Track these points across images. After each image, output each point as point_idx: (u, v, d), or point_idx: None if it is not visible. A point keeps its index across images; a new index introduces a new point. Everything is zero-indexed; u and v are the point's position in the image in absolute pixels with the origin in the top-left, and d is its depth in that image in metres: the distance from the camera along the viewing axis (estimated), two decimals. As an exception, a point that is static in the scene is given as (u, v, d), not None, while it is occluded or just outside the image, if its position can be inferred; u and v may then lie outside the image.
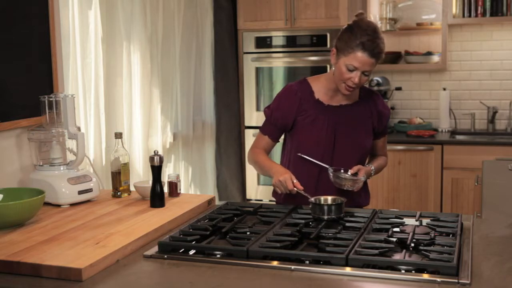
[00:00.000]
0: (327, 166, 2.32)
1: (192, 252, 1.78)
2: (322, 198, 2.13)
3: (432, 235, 1.86)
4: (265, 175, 2.46)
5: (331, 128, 2.40)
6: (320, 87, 2.44)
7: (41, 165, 2.39)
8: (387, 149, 2.65)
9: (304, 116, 2.41)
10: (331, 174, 2.31)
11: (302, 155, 2.38)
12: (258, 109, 4.61)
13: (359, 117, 2.45)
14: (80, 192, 2.33)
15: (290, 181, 2.21)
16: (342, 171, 2.34)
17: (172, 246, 1.80)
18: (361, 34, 2.25)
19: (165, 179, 2.39)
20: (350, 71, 2.28)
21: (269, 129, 2.49)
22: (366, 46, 2.23)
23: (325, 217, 2.04)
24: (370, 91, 2.53)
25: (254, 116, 4.63)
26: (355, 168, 2.34)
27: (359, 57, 2.24)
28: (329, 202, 2.11)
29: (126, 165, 2.47)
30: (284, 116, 2.43)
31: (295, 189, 2.21)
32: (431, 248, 1.74)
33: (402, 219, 2.08)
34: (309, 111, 2.41)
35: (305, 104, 2.41)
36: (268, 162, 2.42)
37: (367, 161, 2.54)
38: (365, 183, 2.49)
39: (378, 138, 2.55)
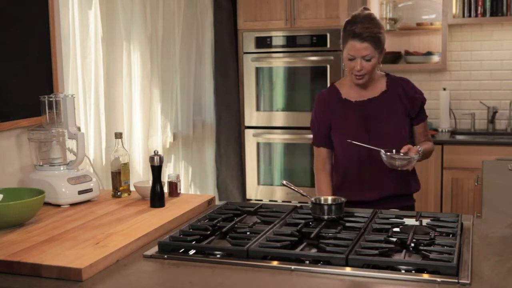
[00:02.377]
0: (378, 149, 2.36)
1: (192, 252, 1.78)
2: (322, 198, 2.13)
3: (432, 235, 1.86)
4: None
5: (363, 123, 2.48)
6: (346, 88, 2.55)
7: (41, 165, 2.39)
8: (430, 135, 2.65)
9: (336, 118, 2.52)
10: (383, 155, 2.36)
11: (352, 141, 2.42)
12: (258, 109, 4.61)
13: (389, 106, 2.49)
14: (80, 192, 2.33)
15: None
16: (394, 151, 2.37)
17: (172, 246, 1.80)
18: (351, 24, 2.39)
19: (165, 179, 2.39)
20: (351, 60, 2.41)
21: (319, 140, 2.61)
22: (356, 32, 2.36)
23: (325, 217, 2.04)
24: (397, 78, 2.58)
25: (254, 116, 4.63)
26: (405, 148, 2.36)
27: (352, 45, 2.38)
28: (329, 202, 2.11)
29: (126, 165, 2.47)
30: (321, 123, 2.56)
31: None
32: (431, 248, 1.74)
33: (402, 219, 2.08)
34: (339, 111, 2.52)
35: (335, 107, 2.53)
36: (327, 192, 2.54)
37: None
38: (413, 169, 2.52)
39: (417, 123, 2.56)
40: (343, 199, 2.12)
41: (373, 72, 2.46)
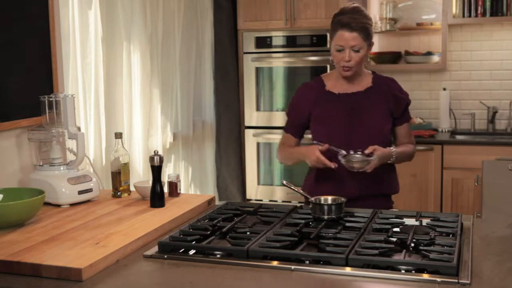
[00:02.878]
0: (337, 150, 2.35)
1: (192, 252, 1.78)
2: (322, 198, 2.13)
3: (432, 235, 1.86)
4: (299, 162, 2.56)
5: (345, 115, 2.46)
6: (332, 80, 2.54)
7: (41, 165, 2.39)
8: (413, 137, 2.63)
9: (318, 109, 2.50)
10: (341, 158, 2.34)
11: (315, 142, 2.42)
12: (258, 109, 4.61)
13: (373, 102, 2.49)
14: (80, 192, 2.33)
15: (324, 160, 2.34)
16: (359, 153, 2.35)
17: (172, 246, 1.80)
18: (339, 15, 2.40)
19: (165, 179, 2.39)
20: (339, 51, 2.40)
21: (290, 127, 2.61)
22: (344, 22, 2.37)
23: (325, 217, 2.04)
24: (384, 77, 2.58)
25: (254, 116, 4.63)
26: (370, 148, 2.35)
27: (340, 34, 2.38)
28: (329, 202, 2.11)
29: (126, 165, 2.47)
30: (300, 113, 2.55)
31: (330, 163, 2.33)
32: (431, 248, 1.74)
33: (402, 219, 2.08)
34: (322, 103, 2.51)
35: (318, 98, 2.51)
36: (295, 150, 2.56)
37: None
38: (392, 170, 2.52)
39: (400, 124, 2.55)
40: (343, 199, 2.12)
41: (361, 64, 2.45)
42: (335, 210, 2.05)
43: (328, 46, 4.34)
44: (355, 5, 2.44)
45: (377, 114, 2.49)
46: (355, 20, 2.36)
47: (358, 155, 2.34)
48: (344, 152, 2.32)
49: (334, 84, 2.52)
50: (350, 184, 2.43)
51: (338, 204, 2.07)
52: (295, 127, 2.60)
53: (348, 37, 2.36)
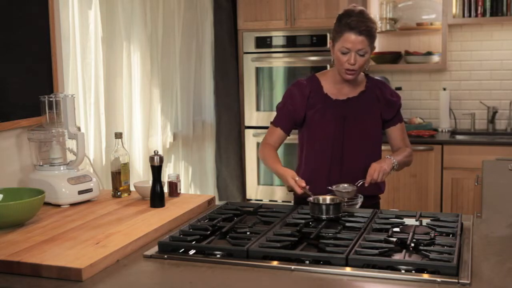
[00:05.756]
0: (309, 193, 2.22)
1: (192, 252, 1.78)
2: (321, 198, 2.14)
3: (432, 235, 1.86)
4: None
5: (339, 122, 2.45)
6: (328, 82, 2.51)
7: (41, 165, 2.39)
8: (408, 140, 2.59)
9: (313, 111, 2.48)
10: (335, 189, 2.30)
11: (331, 188, 2.32)
12: (258, 109, 4.61)
13: (365, 107, 2.48)
14: (80, 192, 2.33)
15: (296, 186, 2.25)
16: (359, 183, 2.32)
17: (172, 246, 1.80)
18: (347, 17, 2.36)
19: (165, 179, 2.39)
20: (344, 54, 2.36)
21: (281, 121, 2.54)
22: (352, 25, 2.33)
23: (324, 216, 2.04)
24: (376, 80, 2.57)
25: (254, 116, 4.63)
26: (368, 178, 2.31)
27: (348, 37, 2.34)
28: (328, 202, 2.11)
29: (126, 165, 2.47)
30: (295, 109, 2.50)
31: (302, 190, 2.24)
32: (431, 248, 1.74)
33: (402, 219, 2.08)
34: (318, 105, 2.48)
35: (314, 99, 2.48)
36: (274, 165, 2.44)
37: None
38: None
39: (393, 125, 2.53)
40: (341, 199, 2.12)
41: (363, 68, 2.44)
42: (333, 209, 2.05)
43: (328, 46, 4.38)
44: (361, 8, 2.42)
45: (370, 119, 2.48)
46: (364, 24, 2.33)
47: (348, 191, 2.30)
48: (311, 199, 2.15)
49: (330, 86, 2.49)
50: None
51: (336, 204, 2.07)
52: (287, 122, 2.52)
53: (355, 40, 2.33)
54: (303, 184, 2.24)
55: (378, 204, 2.59)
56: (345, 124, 2.45)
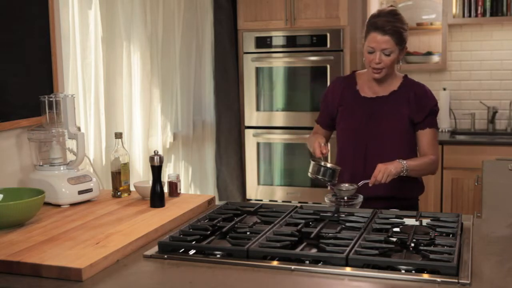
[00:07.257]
0: (333, 187, 2.37)
1: (192, 252, 1.78)
2: (323, 161, 2.32)
3: (432, 235, 1.86)
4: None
5: (365, 119, 2.50)
6: (363, 79, 2.57)
7: (41, 165, 2.39)
8: (437, 148, 2.55)
9: (344, 107, 2.56)
10: (333, 187, 2.39)
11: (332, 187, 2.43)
12: (258, 109, 4.61)
13: (394, 107, 2.49)
14: (80, 192, 2.33)
15: (318, 149, 2.40)
16: (362, 183, 2.36)
17: (172, 246, 1.80)
18: (375, 16, 2.42)
19: (165, 179, 2.39)
20: (370, 53, 2.42)
21: (320, 117, 2.70)
22: (378, 25, 2.38)
23: (320, 177, 2.24)
24: (413, 82, 2.56)
25: (254, 116, 4.62)
26: (372, 175, 2.32)
27: (373, 37, 2.39)
28: (328, 166, 2.31)
29: (126, 165, 2.47)
30: (328, 106, 2.61)
31: (320, 155, 2.39)
32: (431, 248, 1.74)
33: (402, 219, 2.08)
34: (348, 102, 2.55)
35: (346, 95, 2.56)
36: (309, 137, 2.63)
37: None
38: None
39: (421, 129, 2.48)
40: (339, 167, 2.33)
41: (391, 68, 2.45)
42: (329, 174, 2.25)
43: (328, 46, 4.39)
44: (392, 8, 2.45)
45: (396, 119, 2.48)
46: (390, 24, 2.36)
47: (348, 190, 2.35)
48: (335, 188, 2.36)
49: (363, 84, 2.55)
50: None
51: (333, 170, 2.26)
52: (324, 118, 2.66)
53: (380, 40, 2.37)
54: (324, 151, 2.38)
55: (417, 206, 2.65)
56: (370, 122, 2.48)
